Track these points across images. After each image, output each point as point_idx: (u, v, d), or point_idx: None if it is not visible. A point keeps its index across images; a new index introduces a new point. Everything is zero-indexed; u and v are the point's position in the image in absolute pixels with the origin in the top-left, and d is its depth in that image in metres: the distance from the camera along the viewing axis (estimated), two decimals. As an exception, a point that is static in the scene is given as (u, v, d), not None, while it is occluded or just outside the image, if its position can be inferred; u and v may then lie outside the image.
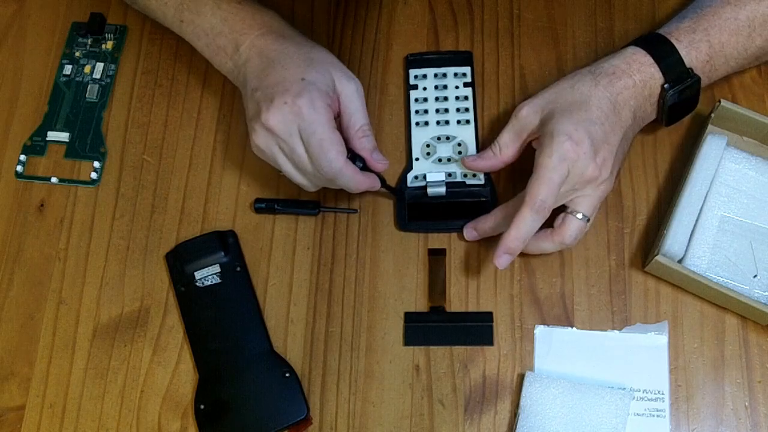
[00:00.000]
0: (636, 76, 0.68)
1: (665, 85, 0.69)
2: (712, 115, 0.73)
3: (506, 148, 0.70)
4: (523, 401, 0.67)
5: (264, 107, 0.65)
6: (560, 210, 0.68)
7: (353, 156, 0.67)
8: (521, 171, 0.72)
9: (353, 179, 0.67)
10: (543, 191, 0.64)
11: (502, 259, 0.65)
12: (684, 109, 0.72)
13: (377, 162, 0.69)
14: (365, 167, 0.68)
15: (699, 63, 0.70)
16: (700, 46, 0.69)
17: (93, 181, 0.77)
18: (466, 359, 0.70)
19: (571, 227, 0.67)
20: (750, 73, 0.77)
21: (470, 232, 0.72)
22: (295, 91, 0.65)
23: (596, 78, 0.68)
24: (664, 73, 0.69)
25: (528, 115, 0.69)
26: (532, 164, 0.70)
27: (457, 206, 0.73)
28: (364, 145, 0.68)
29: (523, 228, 0.64)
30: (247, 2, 0.72)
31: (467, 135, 0.75)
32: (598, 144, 0.65)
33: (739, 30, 0.70)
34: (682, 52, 0.69)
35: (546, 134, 0.66)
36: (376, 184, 0.69)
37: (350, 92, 0.68)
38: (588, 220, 0.68)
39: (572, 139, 0.64)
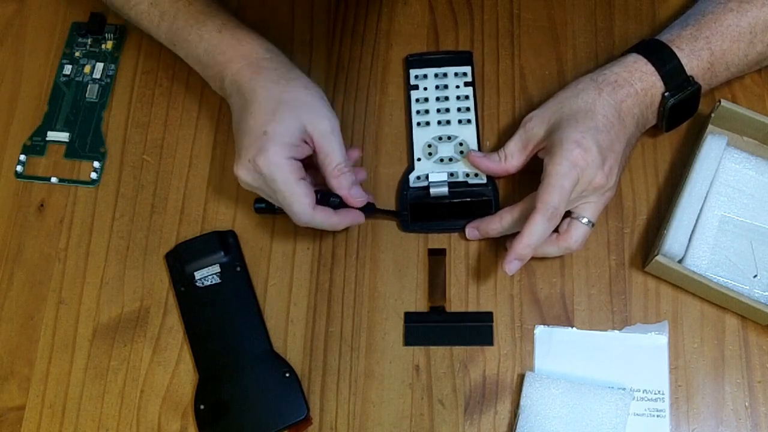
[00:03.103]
0: (637, 84, 0.68)
1: (666, 94, 0.69)
2: (712, 115, 0.73)
3: (512, 157, 0.71)
4: (523, 401, 0.67)
5: (236, 158, 0.67)
6: (565, 215, 0.68)
7: (329, 194, 0.68)
8: (523, 171, 0.72)
9: (328, 223, 0.67)
10: (555, 198, 0.64)
11: (512, 264, 0.65)
12: (683, 115, 0.72)
13: (355, 198, 0.68)
14: (343, 203, 0.68)
15: (700, 71, 0.70)
16: (701, 54, 0.69)
17: (93, 181, 0.77)
18: (466, 359, 0.70)
19: (577, 232, 0.67)
20: (750, 73, 0.77)
21: (472, 231, 0.72)
22: (256, 147, 0.65)
23: (599, 86, 0.68)
24: (665, 82, 0.69)
25: (534, 126, 0.69)
26: (534, 165, 0.70)
27: (459, 206, 0.73)
28: (341, 183, 0.67)
29: (534, 235, 0.64)
30: (227, 30, 0.71)
31: (469, 134, 0.75)
32: (605, 152, 0.66)
33: (740, 37, 0.70)
34: (684, 61, 0.69)
35: (555, 142, 0.66)
36: (359, 219, 0.70)
37: (323, 132, 0.67)
38: (592, 225, 0.68)
39: (581, 146, 0.64)
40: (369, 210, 0.70)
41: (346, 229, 0.74)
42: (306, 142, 0.67)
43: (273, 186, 0.65)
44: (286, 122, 0.66)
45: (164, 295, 0.73)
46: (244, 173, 0.66)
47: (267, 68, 0.69)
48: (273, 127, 0.65)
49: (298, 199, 0.65)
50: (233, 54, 0.70)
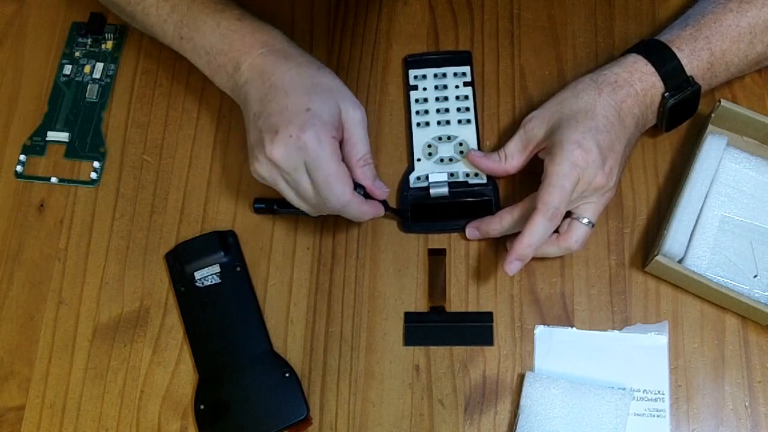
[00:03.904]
0: (637, 84, 0.68)
1: (666, 94, 0.69)
2: (712, 115, 0.73)
3: (512, 158, 0.71)
4: (523, 401, 0.67)
5: (268, 138, 0.63)
6: (566, 216, 0.68)
7: (354, 184, 0.66)
8: (523, 171, 0.72)
9: (359, 210, 0.66)
10: (556, 198, 0.64)
11: (513, 265, 0.65)
12: (683, 115, 0.72)
13: (379, 190, 0.68)
14: (366, 195, 0.67)
15: (700, 71, 0.70)
16: (701, 54, 0.69)
17: (93, 181, 0.77)
18: (466, 359, 0.70)
19: (578, 233, 0.67)
20: (750, 73, 0.77)
21: (473, 231, 0.72)
22: (299, 123, 0.62)
23: (599, 86, 0.68)
24: (665, 82, 0.69)
25: (534, 126, 0.69)
26: (534, 165, 0.70)
27: (460, 206, 0.73)
28: (366, 174, 0.67)
29: (535, 235, 0.64)
30: (247, 19, 0.70)
31: (468, 134, 0.75)
32: (605, 152, 0.66)
33: (740, 37, 0.70)
34: (684, 61, 0.69)
35: (555, 143, 0.66)
36: (380, 212, 0.69)
37: (355, 121, 0.66)
38: (593, 225, 0.68)
39: (582, 146, 0.65)
40: (384, 205, 0.70)
41: (346, 229, 0.74)
42: (338, 129, 0.66)
43: (315, 163, 0.63)
44: (327, 103, 0.65)
45: (164, 295, 0.73)
46: (280, 151, 0.62)
47: (293, 55, 0.68)
48: (316, 106, 0.64)
49: (341, 179, 0.63)
50: (254, 40, 0.68)
